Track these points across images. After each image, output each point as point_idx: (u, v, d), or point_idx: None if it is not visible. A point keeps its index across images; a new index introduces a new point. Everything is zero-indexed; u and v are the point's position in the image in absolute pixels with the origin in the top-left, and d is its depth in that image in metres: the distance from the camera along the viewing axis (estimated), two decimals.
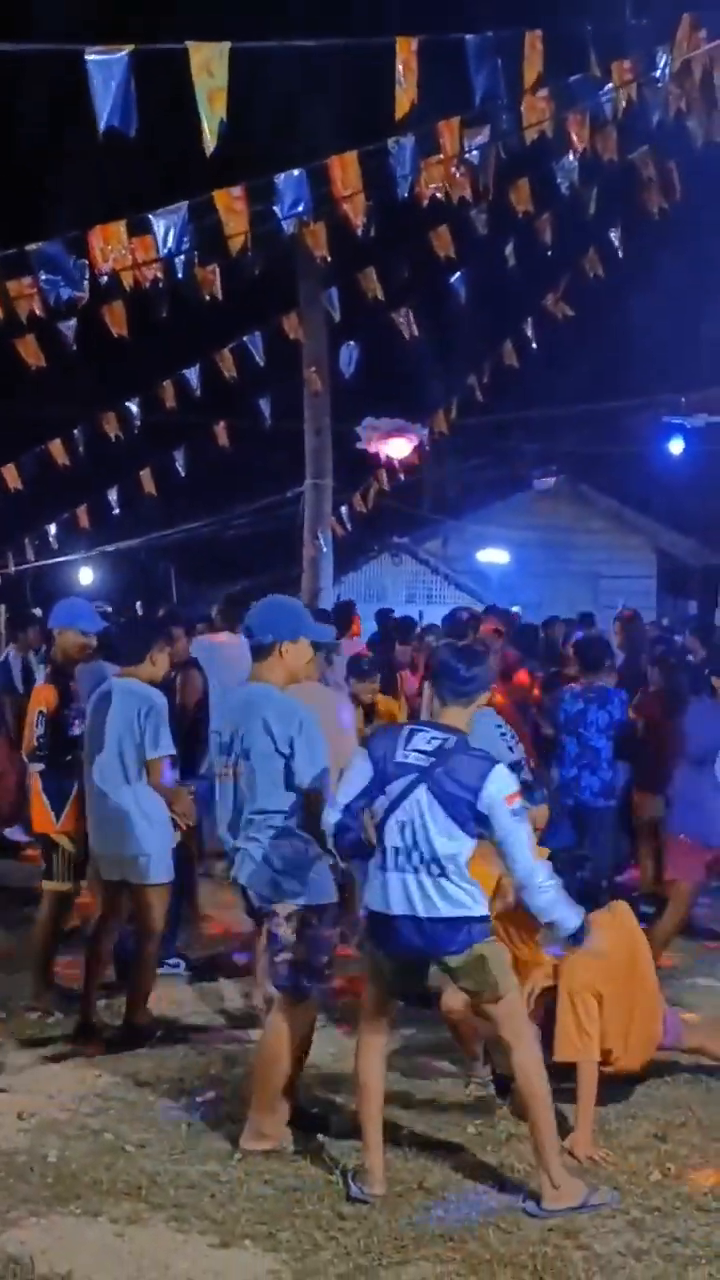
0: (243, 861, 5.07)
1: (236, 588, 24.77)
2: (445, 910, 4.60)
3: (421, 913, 4.61)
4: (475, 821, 4.61)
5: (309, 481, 16.34)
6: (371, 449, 18.74)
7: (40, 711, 6.87)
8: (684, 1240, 4.42)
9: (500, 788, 4.61)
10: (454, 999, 5.37)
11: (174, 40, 6.61)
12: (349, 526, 17.78)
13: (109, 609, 11.69)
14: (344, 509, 17.69)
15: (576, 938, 4.79)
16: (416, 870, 4.61)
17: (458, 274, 11.98)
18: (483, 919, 4.69)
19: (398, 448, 18.93)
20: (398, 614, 14.64)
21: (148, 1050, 6.20)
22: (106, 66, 6.18)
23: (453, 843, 4.61)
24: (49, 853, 6.85)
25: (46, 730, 6.79)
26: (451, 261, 11.53)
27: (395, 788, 4.66)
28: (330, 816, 4.76)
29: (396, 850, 4.64)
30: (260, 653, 5.19)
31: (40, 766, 6.90)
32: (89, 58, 6.16)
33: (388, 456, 18.90)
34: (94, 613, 7.39)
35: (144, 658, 6.45)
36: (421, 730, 4.79)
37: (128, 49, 6.23)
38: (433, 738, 4.72)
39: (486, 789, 4.58)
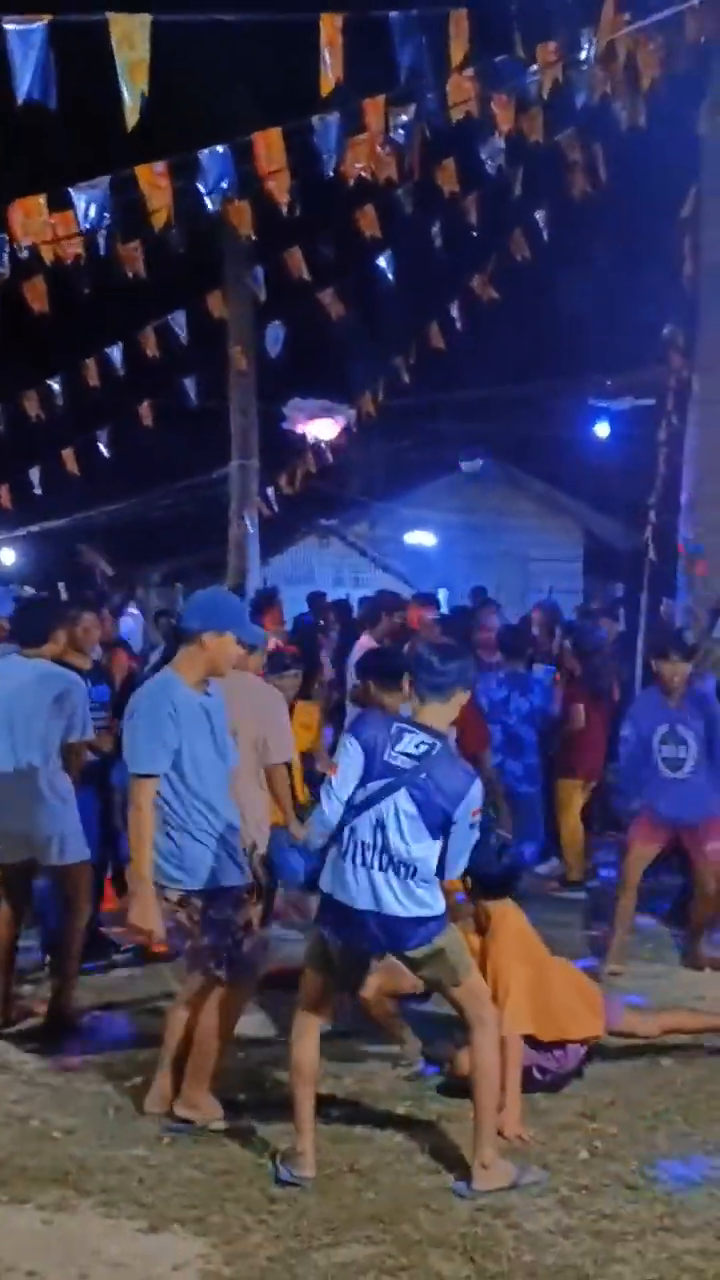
0: None
1: (163, 569, 24.72)
2: (411, 910, 4.59)
3: (386, 910, 4.59)
4: (442, 828, 4.61)
5: (235, 462, 16.29)
6: (298, 429, 18.70)
7: None
8: (613, 1217, 4.44)
9: (472, 801, 4.62)
10: (367, 987, 5.38)
11: (95, 11, 6.52)
12: (275, 508, 17.73)
13: (30, 591, 11.53)
14: (270, 490, 17.63)
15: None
16: (384, 869, 4.58)
17: (384, 254, 11.94)
18: (443, 916, 4.70)
19: (324, 429, 18.92)
20: (327, 597, 14.52)
21: (75, 1036, 6.13)
22: (25, 36, 6.07)
23: (422, 847, 4.59)
24: None
25: None
26: (378, 241, 11.50)
27: (375, 785, 4.61)
28: (329, 810, 4.65)
29: (365, 845, 4.60)
30: (182, 640, 5.14)
31: None
32: (7, 26, 6.06)
33: (315, 437, 18.87)
34: (2, 596, 7.28)
35: (47, 637, 6.34)
36: (410, 731, 4.70)
37: (46, 19, 6.13)
38: (420, 742, 4.66)
39: (463, 802, 4.60)
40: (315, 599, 14.07)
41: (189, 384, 14.68)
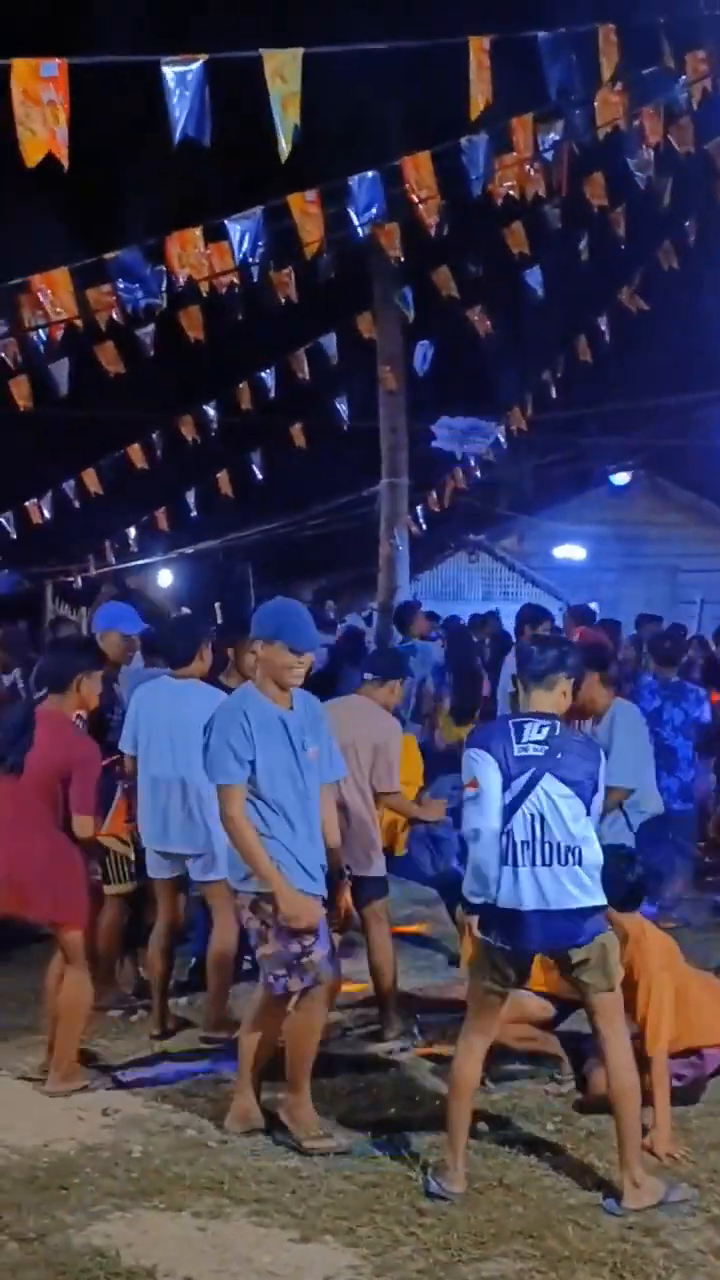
0: None
1: (315, 587, 25.02)
2: (580, 900, 4.64)
3: (554, 905, 4.64)
4: (591, 798, 4.72)
5: (385, 480, 16.41)
6: (447, 447, 18.77)
7: (79, 715, 6.91)
8: None
9: (604, 771, 4.81)
10: (511, 1012, 5.39)
11: (246, 48, 6.68)
12: (424, 525, 17.81)
13: (187, 611, 11.79)
14: (420, 507, 17.72)
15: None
16: (548, 863, 4.63)
17: (532, 270, 11.96)
18: (605, 909, 4.75)
19: (473, 445, 18.95)
20: (470, 613, 14.50)
21: (229, 1047, 6.27)
22: (182, 77, 6.24)
23: (582, 825, 4.67)
24: (100, 857, 6.84)
25: (89, 733, 6.83)
26: (525, 258, 11.52)
27: (519, 783, 4.67)
28: (484, 827, 4.68)
29: (524, 845, 4.64)
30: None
31: None
32: (165, 69, 6.23)
33: (464, 454, 18.92)
34: (135, 616, 7.39)
35: (194, 657, 6.49)
36: (528, 721, 4.79)
37: (203, 58, 6.29)
38: (541, 725, 4.75)
39: (601, 768, 4.78)
40: (453, 623, 14.07)
41: (340, 404, 14.88)
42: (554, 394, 15.89)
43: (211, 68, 6.35)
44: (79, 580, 21.35)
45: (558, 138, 9.53)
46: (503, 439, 18.22)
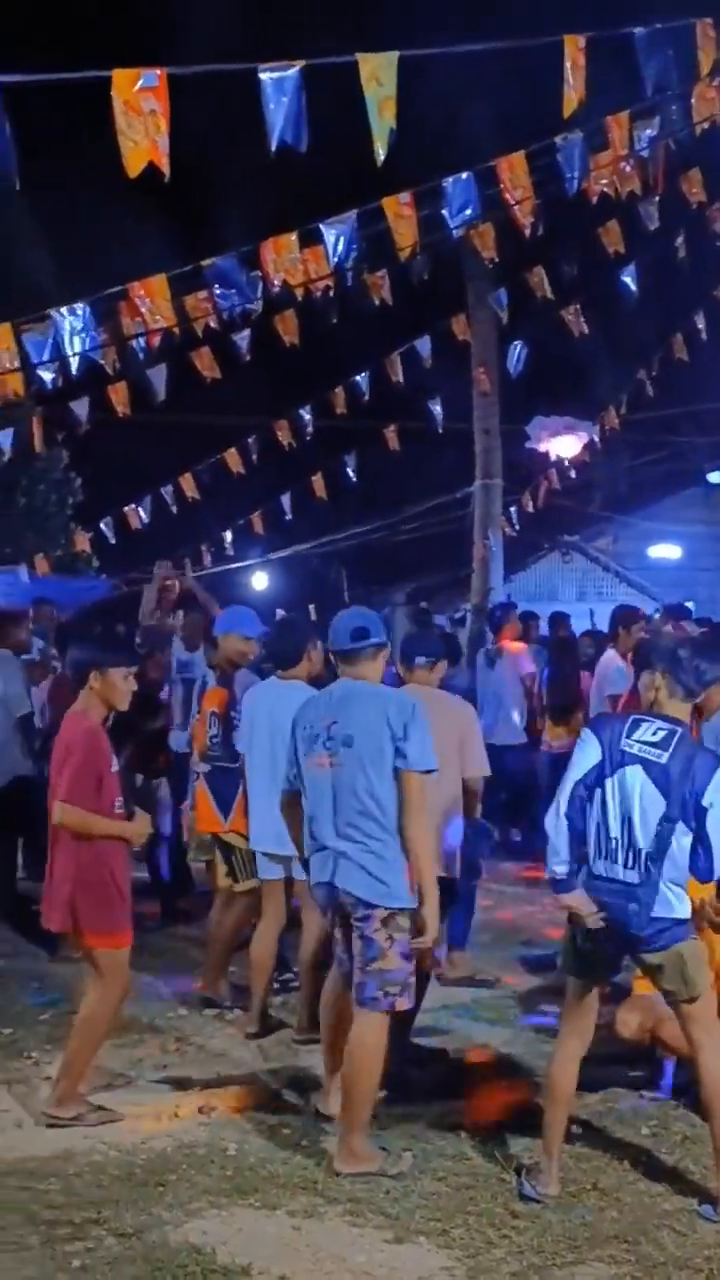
0: (336, 861, 5.03)
1: (408, 588, 25.04)
2: (655, 909, 4.55)
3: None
4: (694, 817, 4.53)
5: (478, 482, 16.36)
6: (541, 447, 18.66)
7: (213, 712, 7.04)
8: None
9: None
10: (626, 1025, 5.35)
11: (342, 53, 6.70)
12: (518, 526, 17.74)
13: (284, 614, 11.86)
14: (513, 508, 17.66)
15: None
16: (633, 866, 4.55)
17: (627, 268, 11.85)
18: (687, 922, 4.66)
19: (567, 445, 18.83)
20: (567, 613, 14.37)
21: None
22: (279, 84, 6.28)
23: (669, 838, 4.53)
24: (226, 854, 6.99)
25: (220, 731, 6.96)
26: (621, 256, 11.43)
27: (616, 777, 4.59)
28: (562, 800, 4.66)
29: (617, 841, 4.59)
30: (359, 655, 5.19)
31: (208, 767, 7.05)
32: (262, 76, 6.27)
33: (558, 455, 18.81)
34: (254, 619, 7.48)
35: (300, 659, 6.54)
36: (647, 721, 4.70)
37: (299, 64, 6.33)
38: (659, 728, 4.64)
39: (712, 786, 4.52)
40: (557, 620, 13.97)
41: (433, 406, 14.87)
42: (649, 392, 15.74)
43: (308, 73, 6.39)
44: (176, 584, 21.57)
45: (654, 134, 9.43)
46: (597, 439, 18.10)
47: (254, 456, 14.76)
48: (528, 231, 9.33)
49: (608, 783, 4.61)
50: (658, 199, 11.05)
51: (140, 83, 5.78)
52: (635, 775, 4.58)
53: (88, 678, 5.53)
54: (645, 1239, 4.41)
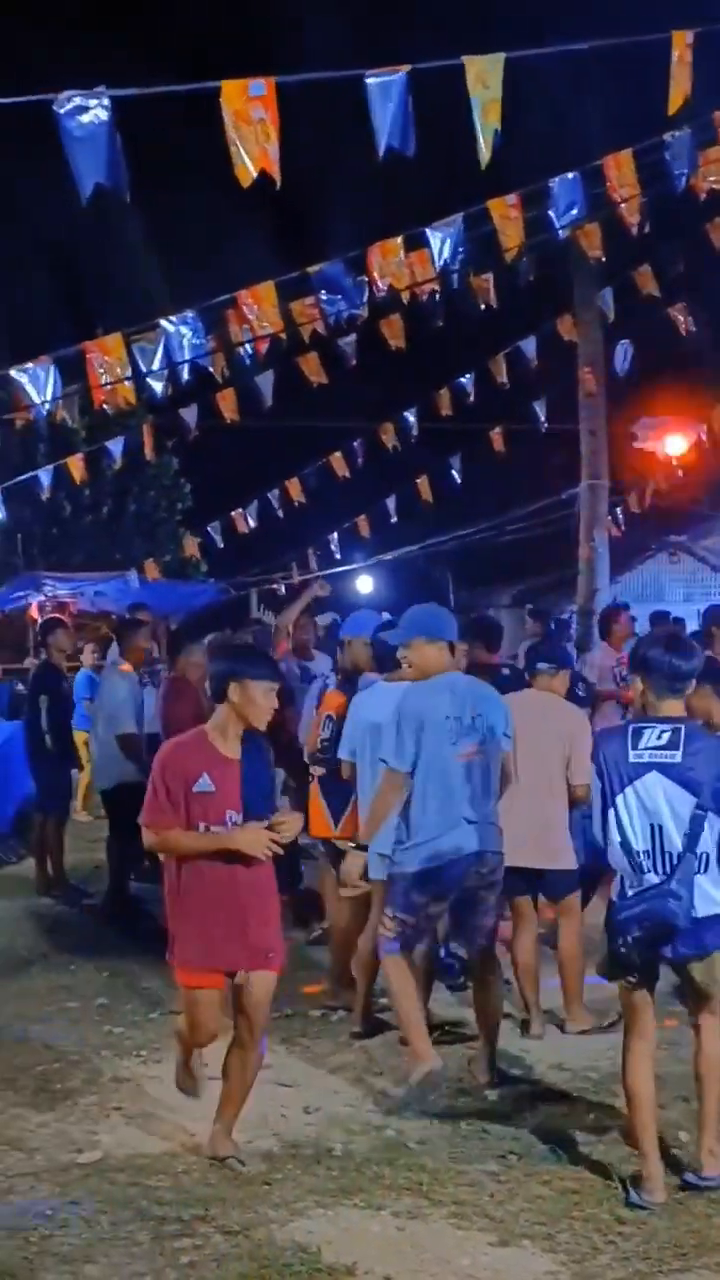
0: (483, 830, 5.69)
1: (513, 590, 24.96)
2: (705, 909, 4.58)
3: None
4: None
5: (584, 482, 16.24)
6: (648, 447, 18.48)
7: (329, 716, 7.06)
8: None
9: None
10: None
11: (449, 56, 6.70)
12: (624, 526, 17.59)
13: (388, 617, 11.86)
14: (619, 509, 17.51)
15: None
16: (668, 871, 4.57)
17: None
18: None
19: (675, 445, 18.62)
20: (675, 614, 14.24)
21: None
22: (385, 88, 6.30)
23: (700, 829, 4.55)
24: (337, 859, 6.93)
25: (332, 735, 6.99)
26: None
27: (631, 791, 4.63)
28: (594, 830, 4.91)
29: (646, 854, 4.62)
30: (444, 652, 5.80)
31: (322, 771, 7.08)
32: (369, 80, 6.30)
33: (665, 454, 18.61)
34: (379, 623, 7.46)
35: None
36: (648, 726, 4.70)
37: (405, 69, 6.34)
38: (662, 731, 4.65)
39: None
40: (657, 619, 13.82)
41: (539, 407, 14.81)
42: None
43: (414, 77, 6.40)
44: (283, 588, 21.74)
45: None
46: (704, 437, 17.87)
47: (359, 460, 14.83)
48: (635, 230, 9.27)
49: (619, 800, 4.63)
50: None
51: (249, 92, 5.85)
52: (654, 782, 4.59)
53: (226, 690, 4.96)
54: None
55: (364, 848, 6.10)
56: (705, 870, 4.58)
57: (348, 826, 6.88)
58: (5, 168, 19.20)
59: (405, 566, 23.86)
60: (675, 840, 4.56)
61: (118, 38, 17.37)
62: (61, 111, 5.49)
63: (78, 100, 5.50)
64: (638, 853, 4.61)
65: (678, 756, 4.58)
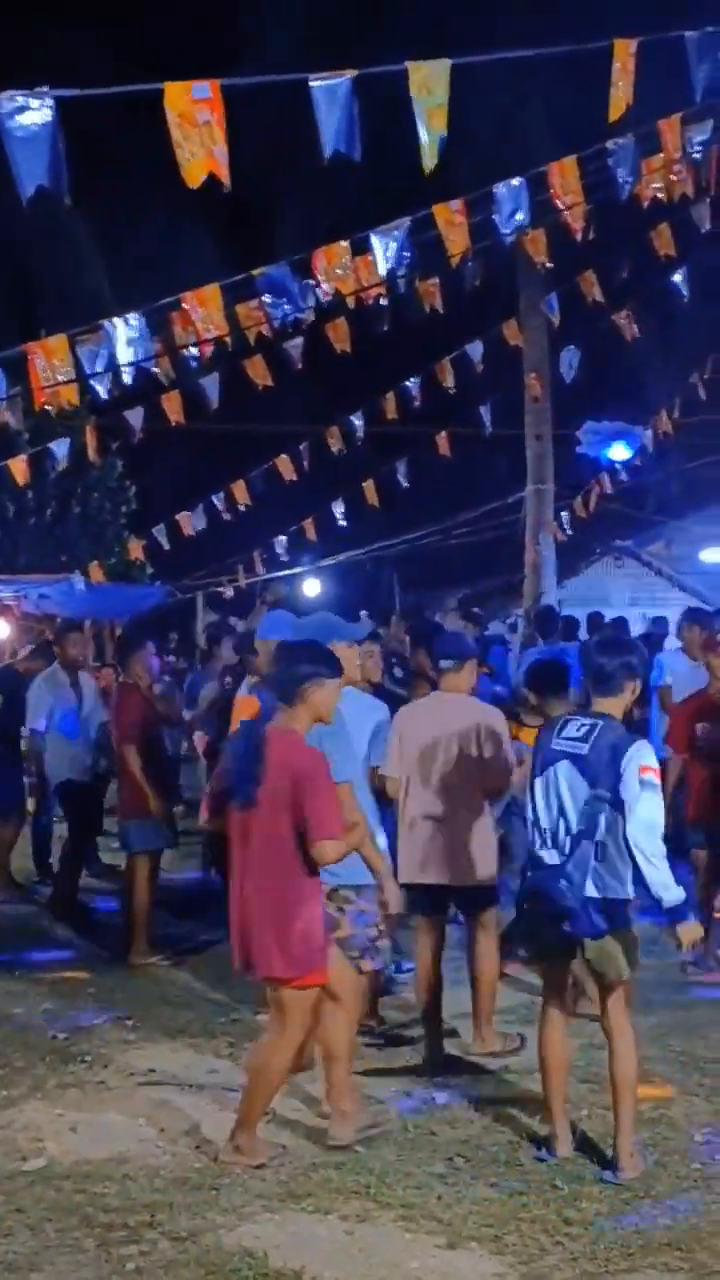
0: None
1: (460, 594, 25.01)
2: (585, 889, 4.85)
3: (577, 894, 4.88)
4: (615, 791, 4.85)
5: (530, 487, 16.37)
6: (592, 452, 18.62)
7: (243, 721, 6.96)
8: None
9: (638, 758, 4.84)
10: None
11: (393, 61, 6.71)
12: (570, 531, 17.70)
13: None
14: (565, 513, 17.62)
15: (677, 912, 4.95)
16: (568, 852, 4.88)
17: (679, 271, 11.81)
18: (624, 904, 4.94)
19: (619, 450, 18.76)
20: (613, 618, 14.33)
21: (373, 1051, 6.32)
22: (331, 92, 6.29)
23: (597, 816, 4.86)
24: None
25: None
26: (672, 260, 11.38)
27: (549, 773, 5.00)
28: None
29: (548, 831, 5.00)
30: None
31: None
32: (313, 84, 6.29)
33: (609, 459, 18.76)
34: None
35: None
36: (574, 719, 5.07)
37: (350, 74, 6.33)
38: (582, 724, 5.00)
39: (625, 758, 4.84)
40: (594, 620, 13.93)
41: (484, 412, 14.87)
42: (702, 395, 15.67)
43: (359, 82, 6.40)
44: (230, 590, 21.68)
45: (706, 137, 9.38)
46: (649, 443, 18.03)
47: (306, 463, 14.83)
48: (579, 236, 9.32)
49: (537, 781, 5.02)
50: (709, 201, 11.00)
51: (193, 94, 5.82)
52: (562, 769, 4.94)
53: (300, 691, 5.02)
54: (700, 1246, 4.39)
55: None
56: (602, 859, 4.86)
57: None
58: None
59: (353, 570, 23.88)
60: (574, 825, 4.89)
61: (59, 38, 17.25)
62: (2, 112, 5.43)
63: (19, 100, 5.44)
64: (544, 829, 4.99)
65: (585, 749, 4.91)
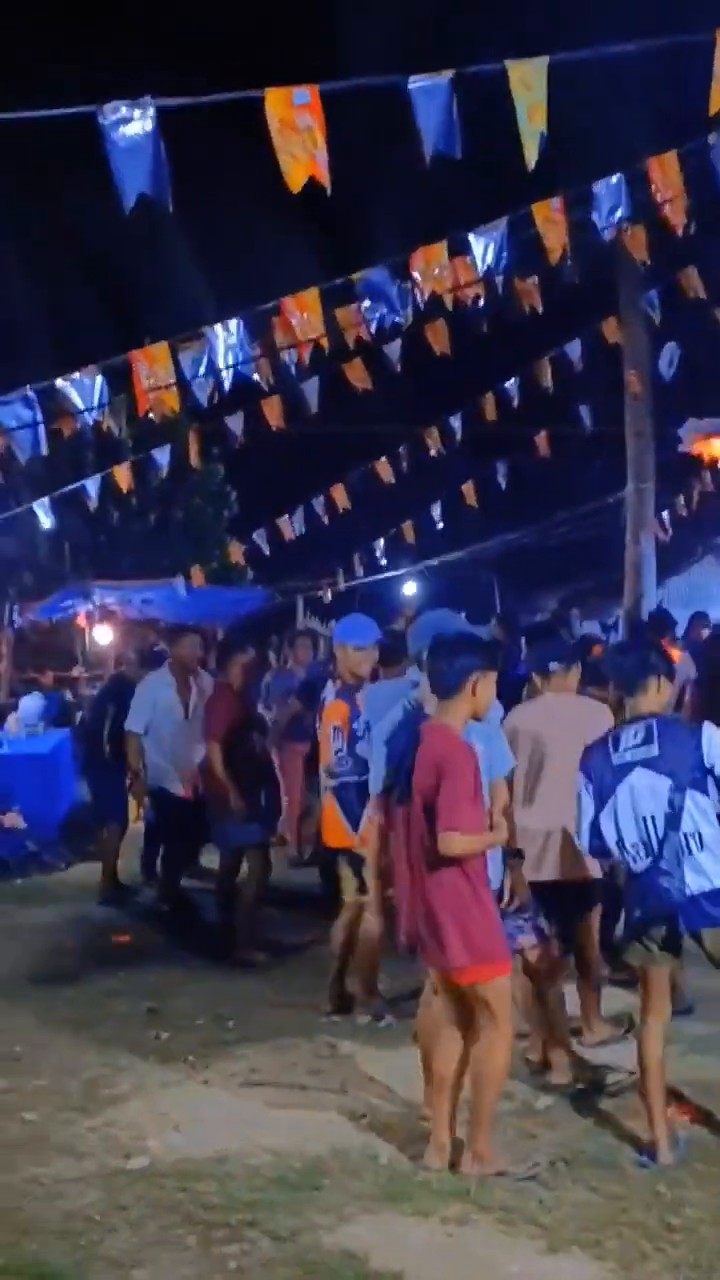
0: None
1: (559, 595, 24.84)
2: (696, 885, 4.85)
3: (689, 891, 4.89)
4: (707, 775, 4.87)
5: (630, 485, 16.16)
6: (694, 450, 18.35)
7: (335, 726, 6.97)
8: None
9: (711, 731, 4.93)
10: None
11: (493, 60, 6.69)
12: (671, 530, 17.49)
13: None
14: (666, 513, 17.42)
15: None
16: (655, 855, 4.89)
17: None
18: None
19: None
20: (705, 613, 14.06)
21: None
22: (430, 93, 6.30)
23: (680, 806, 4.86)
24: (358, 867, 6.86)
25: (345, 745, 6.92)
26: None
27: (623, 789, 4.95)
28: (583, 841, 5.22)
29: (636, 846, 4.95)
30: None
31: (335, 782, 6.98)
32: (412, 86, 6.30)
33: (711, 456, 18.48)
34: (368, 627, 7.28)
35: None
36: (625, 729, 5.07)
37: (448, 74, 6.34)
38: (637, 730, 4.99)
39: (705, 747, 4.89)
40: (696, 620, 13.67)
41: (584, 411, 14.76)
42: None
43: (457, 82, 6.39)
44: (328, 594, 21.77)
45: None
46: None
47: (404, 466, 14.85)
48: (680, 232, 9.22)
49: (610, 802, 4.96)
50: None
51: (294, 100, 5.86)
52: (637, 777, 4.92)
53: (466, 683, 4.98)
54: None
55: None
56: (702, 848, 4.85)
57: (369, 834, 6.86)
58: (51, 179, 19.38)
59: (451, 571, 23.82)
60: (662, 827, 4.86)
61: (159, 48, 17.49)
62: (106, 123, 5.52)
63: (123, 111, 5.53)
64: (631, 845, 4.94)
65: (654, 750, 4.91)
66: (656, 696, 5.12)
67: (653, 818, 4.88)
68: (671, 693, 5.44)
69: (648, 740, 4.93)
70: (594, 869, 6.21)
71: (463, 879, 4.88)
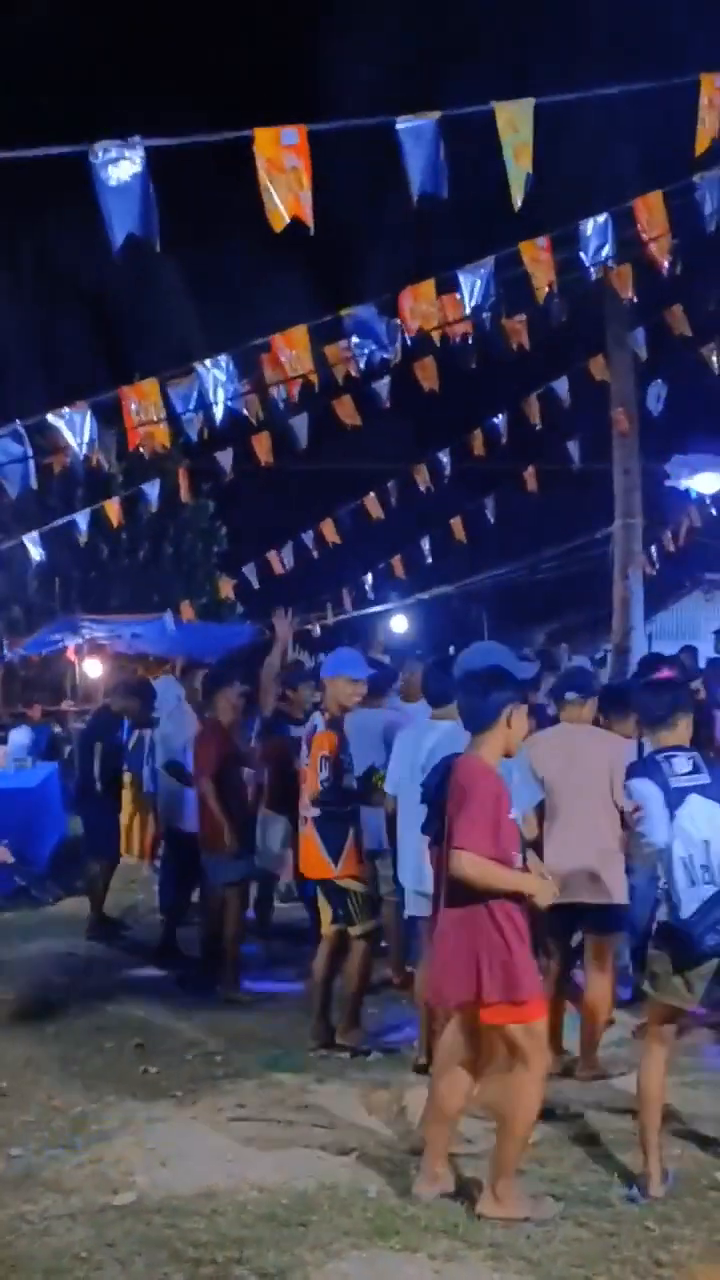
0: None
1: (547, 629, 24.92)
2: None
3: None
4: None
5: (618, 521, 16.26)
6: (681, 485, 18.49)
7: (323, 756, 6.98)
8: None
9: None
10: None
11: (479, 101, 6.78)
12: (659, 565, 17.58)
13: (386, 658, 11.87)
14: (654, 547, 17.51)
15: None
16: None
17: None
18: None
19: (709, 482, 18.63)
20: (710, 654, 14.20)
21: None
22: (417, 133, 6.38)
23: None
24: (339, 900, 6.92)
25: (331, 775, 6.94)
26: None
27: (682, 813, 4.93)
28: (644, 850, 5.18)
29: (703, 868, 4.91)
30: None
31: (318, 812, 6.98)
32: (400, 126, 6.37)
33: (699, 492, 18.62)
34: (361, 661, 7.38)
35: (452, 698, 6.53)
36: (673, 756, 5.04)
37: (436, 115, 6.42)
38: (684, 759, 5.02)
39: None
40: (683, 656, 13.74)
41: (572, 447, 14.87)
42: None
43: (444, 123, 6.47)
44: (318, 628, 21.80)
45: None
46: None
47: (393, 501, 14.92)
48: (665, 270, 9.31)
49: (677, 816, 4.94)
50: None
51: (281, 140, 5.93)
52: (699, 803, 4.91)
53: (502, 717, 4.93)
54: None
55: None
56: None
57: (348, 865, 6.89)
58: (42, 217, 19.51)
59: (440, 606, 23.89)
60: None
61: (148, 87, 17.66)
62: (96, 162, 5.58)
63: (113, 151, 5.58)
64: (698, 867, 4.88)
65: (705, 777, 4.95)
66: (685, 732, 5.17)
67: (709, 842, 4.87)
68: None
69: (697, 769, 4.98)
70: (618, 893, 6.35)
71: (490, 915, 4.77)
